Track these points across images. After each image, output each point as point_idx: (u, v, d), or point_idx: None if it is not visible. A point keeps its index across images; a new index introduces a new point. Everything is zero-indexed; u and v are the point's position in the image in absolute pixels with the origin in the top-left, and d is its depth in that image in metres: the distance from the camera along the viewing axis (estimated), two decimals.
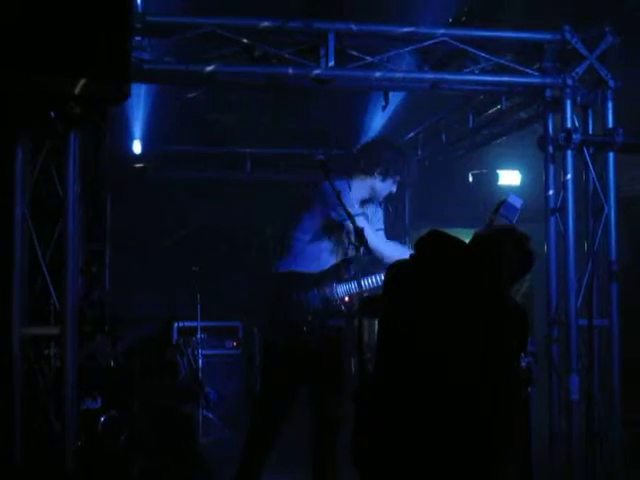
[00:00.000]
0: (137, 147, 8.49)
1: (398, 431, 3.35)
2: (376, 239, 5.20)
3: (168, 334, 8.15)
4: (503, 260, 3.56)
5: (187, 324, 8.19)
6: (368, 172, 5.30)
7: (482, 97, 6.69)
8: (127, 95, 4.23)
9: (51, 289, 4.74)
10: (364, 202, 5.38)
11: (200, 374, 7.82)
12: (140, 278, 8.80)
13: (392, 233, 8.13)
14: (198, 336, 8.00)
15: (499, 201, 4.62)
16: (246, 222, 9.11)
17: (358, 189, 5.32)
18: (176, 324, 8.32)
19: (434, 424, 3.30)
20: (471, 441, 3.32)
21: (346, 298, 5.21)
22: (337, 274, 5.24)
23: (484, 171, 8.17)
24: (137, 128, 8.28)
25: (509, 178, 8.25)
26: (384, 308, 3.57)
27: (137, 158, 8.67)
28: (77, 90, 3.98)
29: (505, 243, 3.63)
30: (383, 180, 5.32)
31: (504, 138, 7.18)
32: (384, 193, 5.39)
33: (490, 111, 6.86)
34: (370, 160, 5.30)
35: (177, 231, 9.01)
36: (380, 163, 5.27)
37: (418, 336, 3.38)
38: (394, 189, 5.42)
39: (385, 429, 3.39)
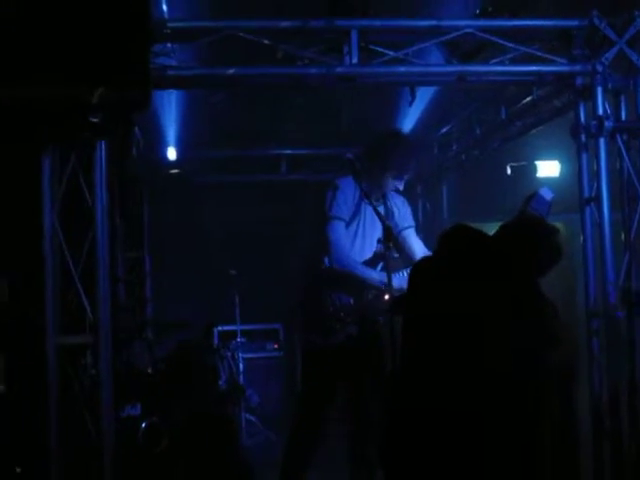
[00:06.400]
0: (172, 153, 8.53)
1: (428, 432, 3.30)
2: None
3: (208, 339, 8.18)
4: (530, 253, 3.50)
5: (227, 328, 8.21)
6: (382, 169, 5.25)
7: (514, 88, 6.59)
8: (148, 102, 4.24)
9: (83, 298, 4.77)
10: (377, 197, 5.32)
11: (241, 378, 7.82)
12: (179, 284, 8.85)
13: (430, 230, 8.10)
14: (238, 340, 8.02)
15: (530, 193, 4.55)
16: (284, 223, 9.11)
17: (370, 185, 5.25)
18: (216, 328, 8.34)
19: (465, 421, 3.25)
20: (504, 441, 3.27)
21: (378, 293, 5.16)
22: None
23: (523, 163, 8.06)
24: (171, 134, 8.32)
25: (548, 169, 8.11)
26: (408, 304, 3.53)
27: (172, 164, 8.72)
28: (95, 99, 4.00)
29: (533, 236, 3.58)
30: (394, 178, 5.28)
31: (541, 128, 7.05)
32: (391, 189, 5.35)
33: (523, 101, 6.76)
34: (382, 158, 5.24)
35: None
36: (393, 162, 5.21)
37: (444, 332, 3.33)
38: (401, 186, 5.38)
39: (415, 429, 3.33)
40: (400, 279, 5.02)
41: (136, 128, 6.98)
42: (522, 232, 3.64)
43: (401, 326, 3.58)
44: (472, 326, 3.29)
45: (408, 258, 5.26)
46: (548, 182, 7.25)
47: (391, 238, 4.64)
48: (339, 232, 5.18)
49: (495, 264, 3.44)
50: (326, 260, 5.18)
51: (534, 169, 8.04)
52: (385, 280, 4.64)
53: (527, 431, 3.34)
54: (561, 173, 8.07)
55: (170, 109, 7.79)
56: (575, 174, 5.77)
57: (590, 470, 5.41)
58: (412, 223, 5.52)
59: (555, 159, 8.11)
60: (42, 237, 4.73)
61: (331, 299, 5.11)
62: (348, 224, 5.23)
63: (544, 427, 3.58)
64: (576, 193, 5.70)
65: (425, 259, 3.77)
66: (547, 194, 4.50)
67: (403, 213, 5.48)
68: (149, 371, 6.20)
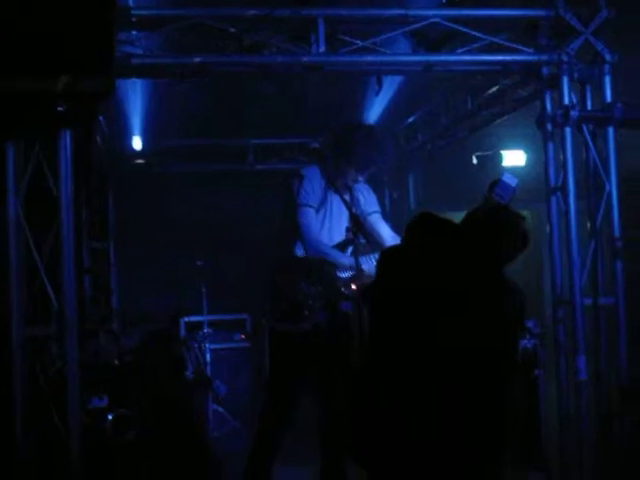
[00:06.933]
0: (137, 143, 8.46)
1: (398, 422, 3.28)
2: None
3: (175, 330, 8.13)
4: (496, 241, 3.51)
5: (194, 319, 8.16)
6: (347, 162, 5.22)
7: (480, 77, 6.60)
8: (112, 90, 4.19)
9: (49, 288, 4.72)
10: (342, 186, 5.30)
11: (208, 368, 7.78)
12: (146, 274, 8.78)
13: (397, 218, 8.10)
14: (205, 330, 7.98)
15: (493, 180, 4.57)
16: (251, 213, 9.07)
17: (334, 174, 5.24)
18: (183, 319, 8.29)
19: (435, 411, 3.24)
20: (469, 430, 3.27)
21: (347, 281, 5.15)
22: None
23: (488, 153, 8.09)
24: (136, 124, 8.25)
25: (514, 158, 8.15)
26: (375, 294, 3.52)
27: (138, 154, 8.64)
28: (60, 88, 3.95)
29: (498, 222, 3.57)
30: (358, 171, 5.25)
31: (506, 118, 7.08)
32: (354, 180, 5.32)
33: (489, 91, 6.78)
34: (348, 151, 5.21)
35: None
36: (358, 157, 5.18)
37: (411, 322, 3.33)
38: (363, 179, 5.36)
39: (386, 421, 3.31)
40: (369, 263, 5.03)
41: (101, 117, 6.90)
42: (487, 218, 3.63)
43: (368, 312, 3.58)
44: (439, 309, 3.29)
45: (376, 242, 5.25)
46: (513, 171, 7.28)
47: (359, 226, 4.66)
48: (309, 218, 5.16)
49: (460, 249, 3.44)
50: (295, 248, 5.17)
51: (500, 158, 8.08)
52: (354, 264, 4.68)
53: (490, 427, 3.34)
54: (527, 162, 8.11)
55: (135, 98, 7.72)
56: (541, 163, 5.80)
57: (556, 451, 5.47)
58: (378, 208, 5.51)
59: (521, 148, 8.16)
60: (6, 227, 4.68)
61: (299, 287, 5.09)
62: (316, 212, 5.21)
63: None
64: (542, 182, 5.73)
65: (392, 247, 3.78)
66: (511, 180, 4.52)
67: (369, 200, 5.47)
68: (115, 362, 6.14)
